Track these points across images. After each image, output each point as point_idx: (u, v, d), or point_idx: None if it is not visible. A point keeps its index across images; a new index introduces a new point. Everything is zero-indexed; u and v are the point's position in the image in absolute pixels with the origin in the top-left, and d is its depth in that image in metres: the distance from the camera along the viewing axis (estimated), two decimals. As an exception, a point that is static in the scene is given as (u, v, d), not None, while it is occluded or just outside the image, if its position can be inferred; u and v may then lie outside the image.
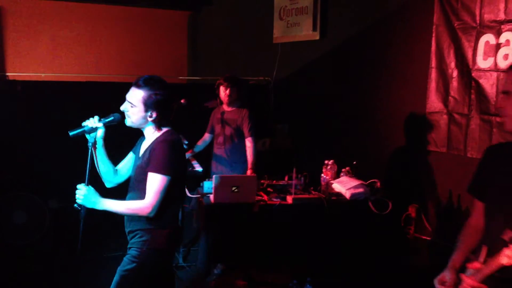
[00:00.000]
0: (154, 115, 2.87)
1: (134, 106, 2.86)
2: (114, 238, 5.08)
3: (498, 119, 4.03)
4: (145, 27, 10.12)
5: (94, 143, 2.91)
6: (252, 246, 4.40)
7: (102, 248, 5.07)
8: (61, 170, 4.91)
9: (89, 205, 2.79)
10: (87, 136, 2.88)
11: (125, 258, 2.91)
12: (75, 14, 9.48)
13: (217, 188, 4.24)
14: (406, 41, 4.93)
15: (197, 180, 4.90)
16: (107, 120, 2.90)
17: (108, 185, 3.10)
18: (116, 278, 2.86)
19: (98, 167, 3.00)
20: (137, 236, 2.89)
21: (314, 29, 6.34)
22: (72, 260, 3.55)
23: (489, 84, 4.10)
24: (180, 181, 2.96)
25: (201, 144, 5.51)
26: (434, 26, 4.56)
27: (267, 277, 4.59)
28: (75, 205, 2.81)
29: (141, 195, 2.84)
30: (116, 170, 3.09)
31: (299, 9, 6.58)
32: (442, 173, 4.58)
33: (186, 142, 5.07)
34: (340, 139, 5.87)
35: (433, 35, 4.57)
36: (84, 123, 2.87)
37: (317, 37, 6.33)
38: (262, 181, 4.78)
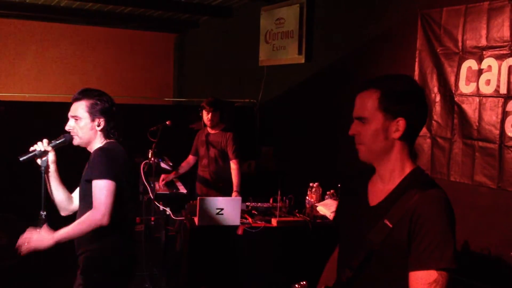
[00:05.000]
0: (102, 123, 2.79)
1: (79, 118, 2.77)
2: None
3: (480, 143, 4.09)
4: (132, 49, 10.15)
5: (47, 168, 2.80)
6: (236, 269, 4.37)
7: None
8: (44, 191, 4.86)
9: (42, 247, 2.63)
10: (39, 161, 2.77)
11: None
12: (60, 35, 9.49)
13: (201, 210, 4.21)
14: (389, 66, 5.00)
15: (181, 202, 4.88)
16: (57, 142, 2.79)
17: (63, 213, 2.95)
18: None
19: (51, 194, 2.87)
20: (86, 260, 2.77)
21: (300, 52, 6.41)
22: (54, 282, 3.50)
23: (471, 109, 4.16)
24: (125, 194, 2.77)
25: (185, 166, 5.51)
26: (417, 51, 4.63)
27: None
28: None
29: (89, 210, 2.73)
30: (71, 197, 2.95)
31: (285, 33, 6.65)
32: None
33: (171, 164, 5.07)
34: (325, 162, 5.89)
35: (416, 60, 4.64)
36: (32, 148, 2.77)
37: (302, 61, 6.40)
38: (247, 204, 4.77)
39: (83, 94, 2.81)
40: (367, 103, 1.80)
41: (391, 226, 1.71)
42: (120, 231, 2.79)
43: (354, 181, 2.04)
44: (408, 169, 1.80)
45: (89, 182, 2.71)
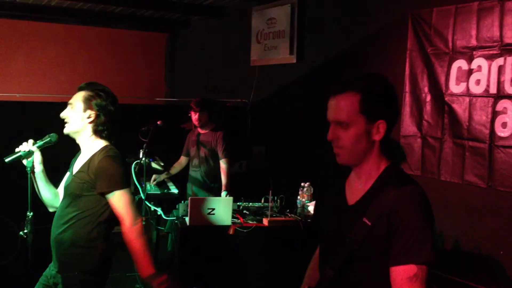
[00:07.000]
0: (92, 116, 2.76)
1: (73, 106, 2.77)
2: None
3: (470, 143, 4.11)
4: (122, 49, 10.11)
5: (33, 169, 2.77)
6: (228, 269, 4.37)
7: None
8: (34, 192, 4.83)
9: None
10: (25, 162, 2.76)
11: None
12: (51, 35, 9.43)
13: (192, 210, 4.21)
14: (380, 66, 5.01)
15: (172, 202, 4.87)
16: (42, 142, 2.78)
17: (51, 209, 2.95)
18: None
19: (39, 193, 2.86)
20: (66, 257, 2.75)
21: (291, 52, 6.41)
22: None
23: (461, 109, 4.18)
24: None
25: (177, 166, 5.50)
26: (408, 52, 4.64)
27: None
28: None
29: (82, 210, 2.72)
30: (57, 193, 2.94)
31: (276, 33, 6.65)
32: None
33: (162, 164, 5.06)
34: (316, 162, 5.89)
35: (407, 60, 4.65)
36: (18, 149, 2.75)
37: (294, 61, 6.40)
38: (238, 203, 4.77)
39: (87, 85, 2.83)
40: (347, 107, 1.79)
41: (370, 224, 1.73)
42: (100, 232, 2.77)
43: (330, 181, 2.05)
44: (383, 165, 1.83)
45: (97, 188, 2.70)
